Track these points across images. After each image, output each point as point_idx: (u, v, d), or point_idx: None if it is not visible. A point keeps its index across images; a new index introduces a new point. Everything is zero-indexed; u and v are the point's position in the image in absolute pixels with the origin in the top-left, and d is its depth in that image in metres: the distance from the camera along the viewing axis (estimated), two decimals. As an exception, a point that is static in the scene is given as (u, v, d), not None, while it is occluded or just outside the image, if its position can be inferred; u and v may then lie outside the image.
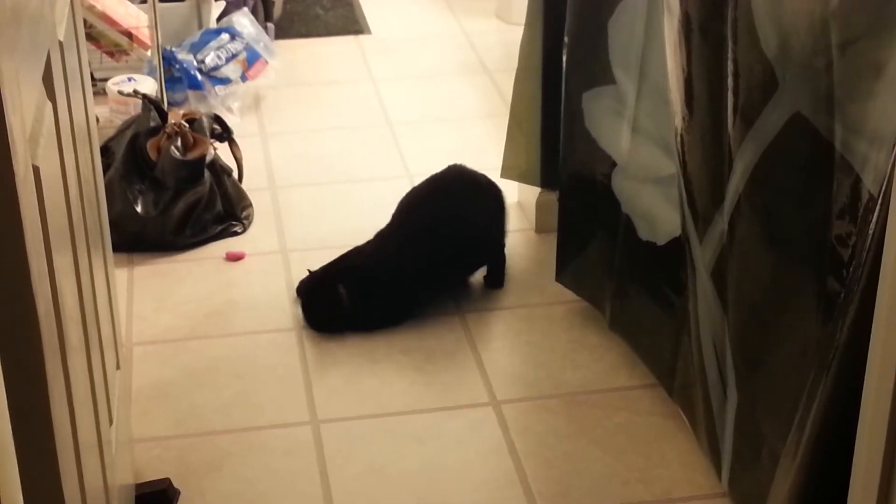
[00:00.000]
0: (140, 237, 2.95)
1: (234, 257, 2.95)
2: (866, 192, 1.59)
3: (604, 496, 2.18)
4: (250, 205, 3.12)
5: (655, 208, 2.33)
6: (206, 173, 3.00)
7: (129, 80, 3.37)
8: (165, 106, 3.28)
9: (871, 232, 1.53)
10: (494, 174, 3.03)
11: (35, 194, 1.19)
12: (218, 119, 3.14)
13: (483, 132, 3.52)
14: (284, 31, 4.22)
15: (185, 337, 2.66)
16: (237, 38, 3.69)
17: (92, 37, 3.45)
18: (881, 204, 1.50)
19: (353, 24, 4.33)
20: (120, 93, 3.31)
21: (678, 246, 2.23)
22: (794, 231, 1.82)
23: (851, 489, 1.44)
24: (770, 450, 1.90)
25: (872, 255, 1.50)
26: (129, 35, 3.53)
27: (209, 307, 2.77)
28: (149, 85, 3.34)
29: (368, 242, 2.76)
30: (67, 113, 1.57)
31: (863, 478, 1.40)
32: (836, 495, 1.52)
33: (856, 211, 1.62)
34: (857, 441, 1.42)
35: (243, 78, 3.63)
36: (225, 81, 3.58)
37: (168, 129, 2.99)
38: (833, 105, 1.65)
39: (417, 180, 3.27)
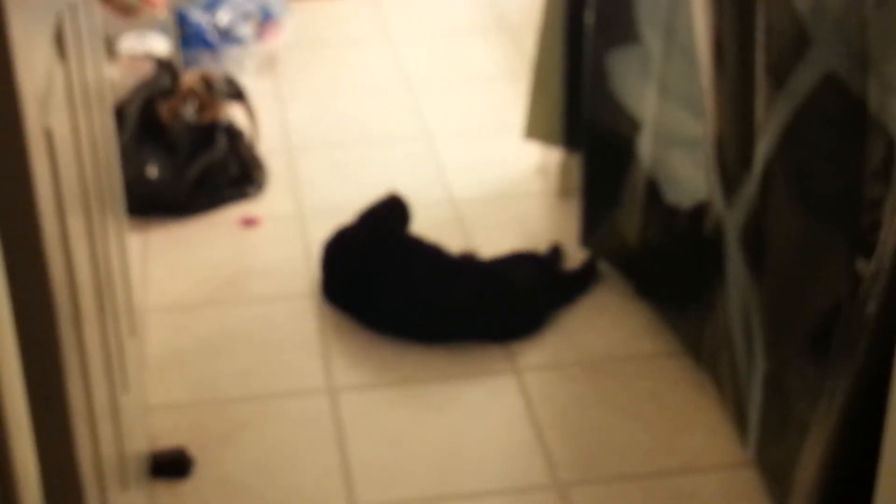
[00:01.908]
0: (154, 201, 2.92)
1: (250, 221, 2.91)
2: (901, 154, 1.56)
3: (628, 465, 2.16)
4: (265, 167, 3.09)
5: (682, 171, 2.30)
6: (221, 136, 2.97)
7: (142, 40, 3.33)
8: (179, 67, 3.24)
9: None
10: (516, 135, 3.00)
11: (48, 157, 1.17)
12: (232, 80, 3.10)
13: (504, 92, 3.48)
14: (299, -12, 4.17)
15: (201, 303, 2.64)
16: (251, -4, 3.65)
17: (103, -4, 3.41)
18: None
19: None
20: (132, 54, 3.27)
21: (705, 210, 2.19)
22: (826, 193, 1.79)
23: (882, 459, 1.41)
24: (799, 419, 1.88)
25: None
26: (141, -6, 3.49)
27: (225, 273, 2.74)
28: (161, 45, 3.30)
29: None
30: (80, 74, 1.55)
31: (894, 448, 1.37)
32: (866, 466, 1.50)
33: (889, 173, 1.59)
34: (888, 410, 1.38)
35: (258, 38, 3.59)
36: (239, 41, 3.53)
37: (181, 91, 2.95)
38: (868, 64, 1.62)
39: (437, 141, 3.24)
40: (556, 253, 2.70)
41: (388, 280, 2.53)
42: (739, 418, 2.13)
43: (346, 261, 2.63)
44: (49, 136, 1.18)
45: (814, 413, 1.81)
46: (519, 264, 2.59)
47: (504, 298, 2.50)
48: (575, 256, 2.69)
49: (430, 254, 2.61)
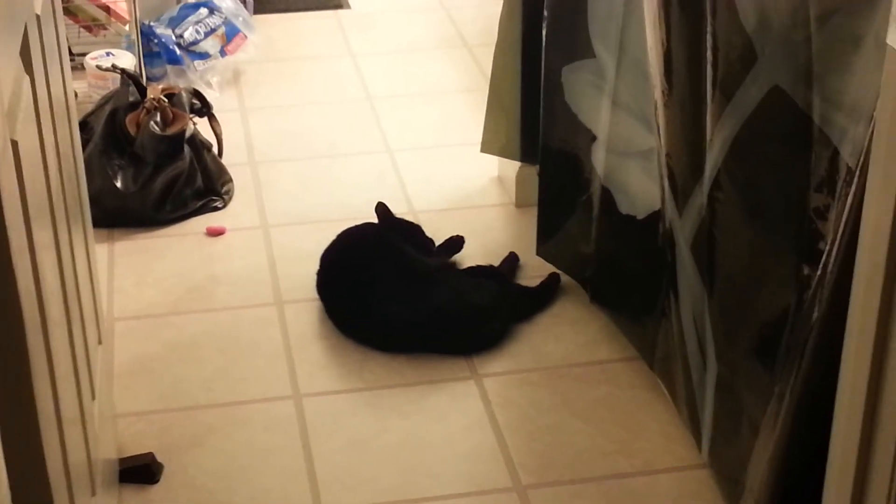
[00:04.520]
0: (120, 212, 2.94)
1: (215, 232, 2.94)
2: (844, 165, 1.60)
3: (585, 468, 2.20)
4: (230, 180, 3.12)
5: (635, 182, 2.33)
6: (186, 148, 3.00)
7: (108, 54, 3.36)
8: (144, 81, 3.26)
9: (848, 204, 1.53)
10: (474, 149, 3.04)
11: (14, 169, 1.18)
12: (197, 94, 3.13)
13: (463, 106, 3.52)
14: (263, 5, 4.20)
15: (167, 312, 2.66)
16: (216, 12, 3.68)
17: (69, 11, 3.43)
18: (859, 176, 1.51)
19: (332, -2, 4.31)
20: (98, 67, 3.29)
21: (658, 219, 2.24)
22: (773, 204, 1.83)
23: (830, 459, 1.45)
24: (749, 421, 1.92)
25: (850, 228, 1.51)
26: (107, 9, 3.51)
27: (191, 282, 2.77)
28: (127, 60, 3.33)
29: None
30: (46, 87, 1.56)
31: (841, 448, 1.41)
32: (815, 465, 1.53)
33: (834, 183, 1.63)
34: (835, 412, 1.42)
35: (222, 53, 3.62)
36: (204, 56, 3.56)
37: (147, 105, 2.97)
38: (811, 78, 1.66)
39: (397, 155, 3.28)
40: (512, 262, 2.75)
41: (358, 288, 2.58)
42: (693, 421, 2.17)
43: (334, 257, 2.68)
44: (15, 149, 1.19)
45: (764, 415, 1.84)
46: (479, 281, 2.61)
47: (463, 318, 2.52)
48: (532, 265, 2.74)
49: (400, 264, 2.64)
